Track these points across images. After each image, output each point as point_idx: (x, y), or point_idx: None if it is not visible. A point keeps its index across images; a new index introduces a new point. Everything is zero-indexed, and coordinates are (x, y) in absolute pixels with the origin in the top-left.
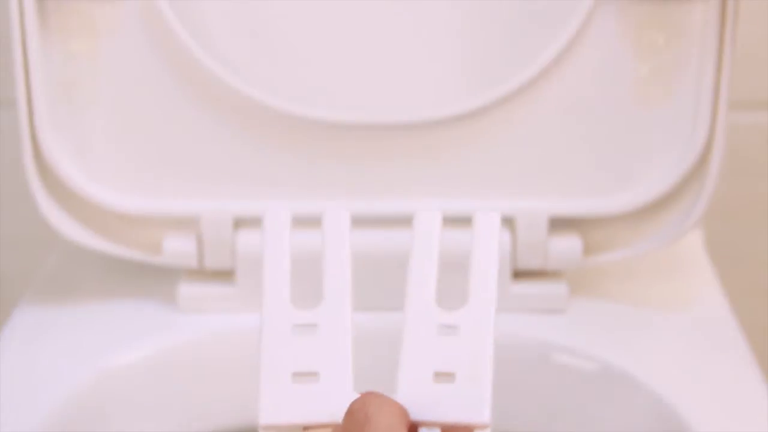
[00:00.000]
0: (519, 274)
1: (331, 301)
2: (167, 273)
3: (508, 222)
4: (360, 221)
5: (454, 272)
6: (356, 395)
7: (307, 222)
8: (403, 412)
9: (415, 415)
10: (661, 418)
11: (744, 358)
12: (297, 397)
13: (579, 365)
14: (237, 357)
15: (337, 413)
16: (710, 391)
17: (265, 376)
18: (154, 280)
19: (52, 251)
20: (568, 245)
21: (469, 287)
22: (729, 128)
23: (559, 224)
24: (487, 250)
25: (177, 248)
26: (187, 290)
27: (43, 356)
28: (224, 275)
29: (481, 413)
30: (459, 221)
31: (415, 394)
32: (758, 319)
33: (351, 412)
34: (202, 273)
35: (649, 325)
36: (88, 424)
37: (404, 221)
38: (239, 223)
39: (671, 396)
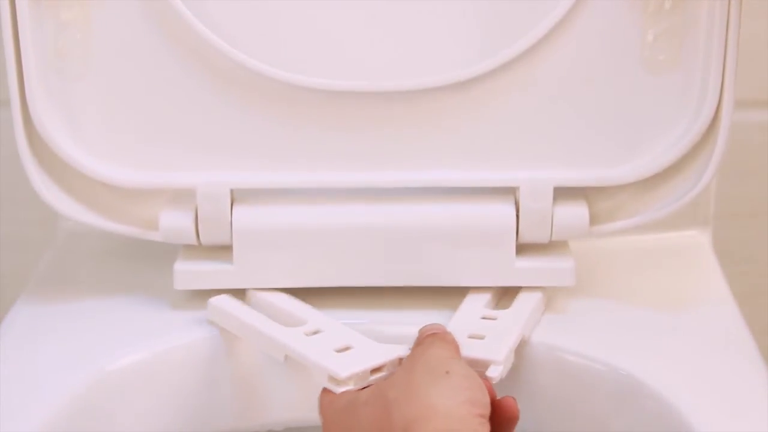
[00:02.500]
0: (524, 249)
1: (313, 316)
2: (166, 271)
3: (512, 191)
4: (360, 192)
5: (456, 243)
6: (392, 346)
7: (306, 194)
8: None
9: None
10: (667, 421)
11: (752, 360)
12: (350, 357)
13: (584, 367)
14: (236, 359)
15: (389, 355)
16: (717, 394)
17: (310, 357)
18: (152, 278)
19: (48, 249)
20: (574, 214)
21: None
22: (734, 127)
23: (564, 194)
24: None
25: (173, 223)
26: (183, 267)
27: (41, 358)
28: (221, 251)
29: (497, 353)
30: (464, 192)
31: None
32: (763, 318)
33: (423, 333)
34: (199, 249)
35: (655, 327)
36: (86, 426)
37: (405, 192)
38: (237, 197)
39: (677, 398)
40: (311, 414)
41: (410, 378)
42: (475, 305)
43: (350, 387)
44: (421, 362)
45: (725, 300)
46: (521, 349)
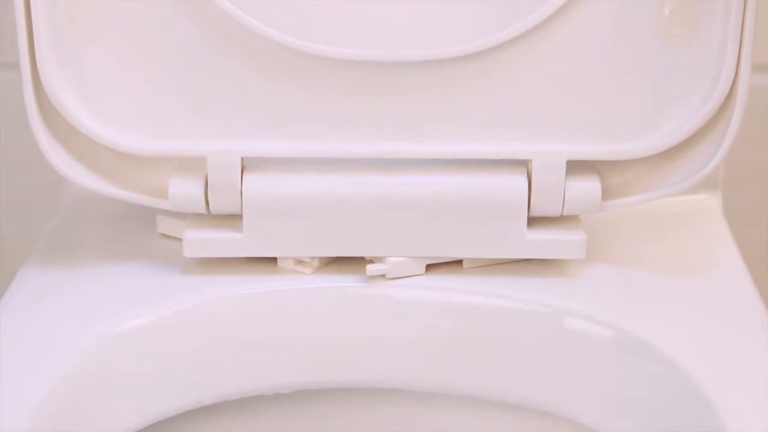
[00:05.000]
0: (534, 222)
1: None
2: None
3: (525, 164)
4: (371, 162)
5: (467, 215)
6: None
7: (316, 163)
8: None
9: None
10: (676, 384)
11: (762, 324)
12: None
13: (594, 331)
14: (244, 323)
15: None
16: (726, 357)
17: None
18: (159, 242)
19: (54, 213)
20: (586, 188)
21: None
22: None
23: (577, 167)
24: None
25: (183, 192)
26: (192, 235)
27: (48, 321)
28: (231, 221)
29: None
30: (476, 164)
31: None
32: None
33: None
34: (209, 218)
35: (665, 291)
36: (92, 389)
37: (417, 163)
38: (247, 166)
39: (686, 361)
40: (319, 377)
41: None
42: None
43: None
44: None
45: (735, 264)
46: (532, 314)
